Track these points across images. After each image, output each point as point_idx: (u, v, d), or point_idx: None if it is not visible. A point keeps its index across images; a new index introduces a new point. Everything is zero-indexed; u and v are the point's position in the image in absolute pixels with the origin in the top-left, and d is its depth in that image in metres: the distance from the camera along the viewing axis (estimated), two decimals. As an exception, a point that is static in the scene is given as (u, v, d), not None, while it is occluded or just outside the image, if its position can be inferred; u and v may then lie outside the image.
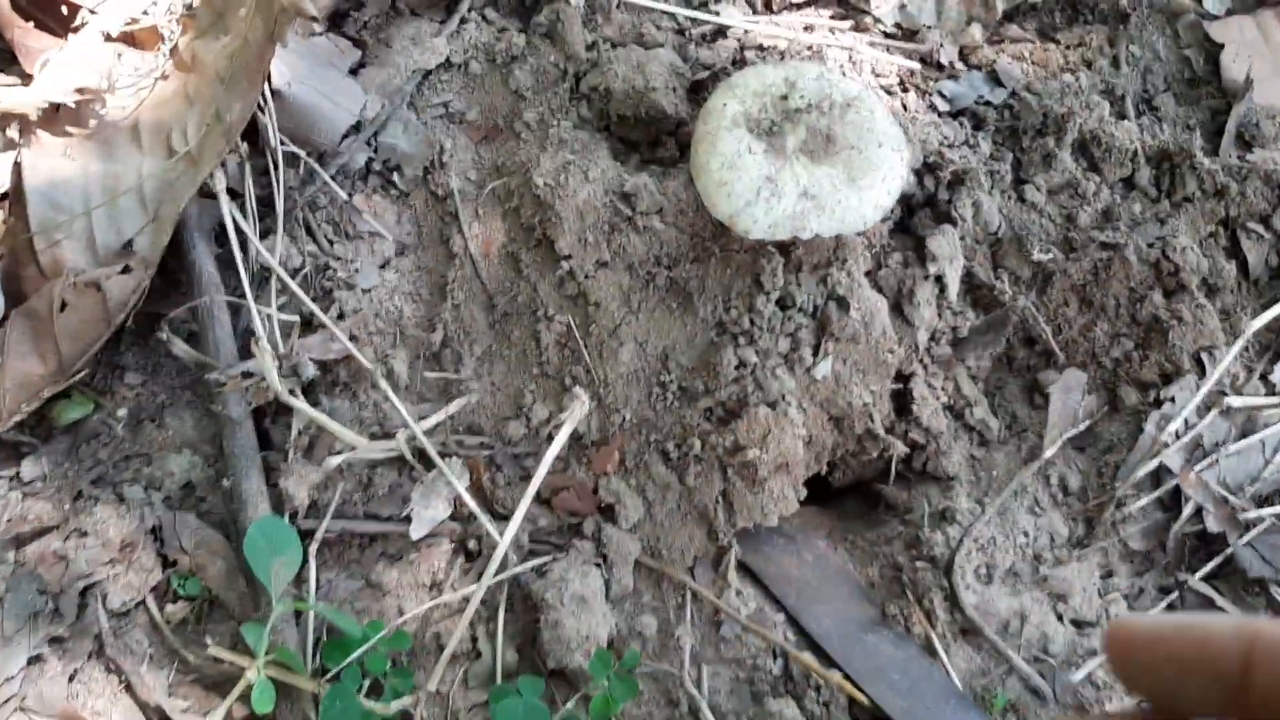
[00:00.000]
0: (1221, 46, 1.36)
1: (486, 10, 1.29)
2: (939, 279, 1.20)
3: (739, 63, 1.25)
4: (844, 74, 1.32)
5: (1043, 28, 1.41)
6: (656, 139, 1.22)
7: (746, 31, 1.29)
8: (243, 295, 1.10)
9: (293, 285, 1.09)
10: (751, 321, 1.08)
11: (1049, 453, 1.21)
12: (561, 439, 1.05)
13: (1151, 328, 1.23)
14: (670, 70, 1.20)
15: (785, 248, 1.10)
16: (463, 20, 1.28)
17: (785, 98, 1.07)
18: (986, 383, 1.28)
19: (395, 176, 1.22)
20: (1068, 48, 1.38)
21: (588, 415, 1.11)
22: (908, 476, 1.24)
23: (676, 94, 1.19)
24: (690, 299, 1.11)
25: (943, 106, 1.32)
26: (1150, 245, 1.24)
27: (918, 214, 1.24)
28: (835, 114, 1.06)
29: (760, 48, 1.28)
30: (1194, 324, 1.21)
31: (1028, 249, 1.25)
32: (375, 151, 1.22)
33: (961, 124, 1.31)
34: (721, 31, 1.29)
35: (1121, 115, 1.33)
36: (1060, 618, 1.15)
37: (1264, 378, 1.25)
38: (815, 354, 1.09)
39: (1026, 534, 1.18)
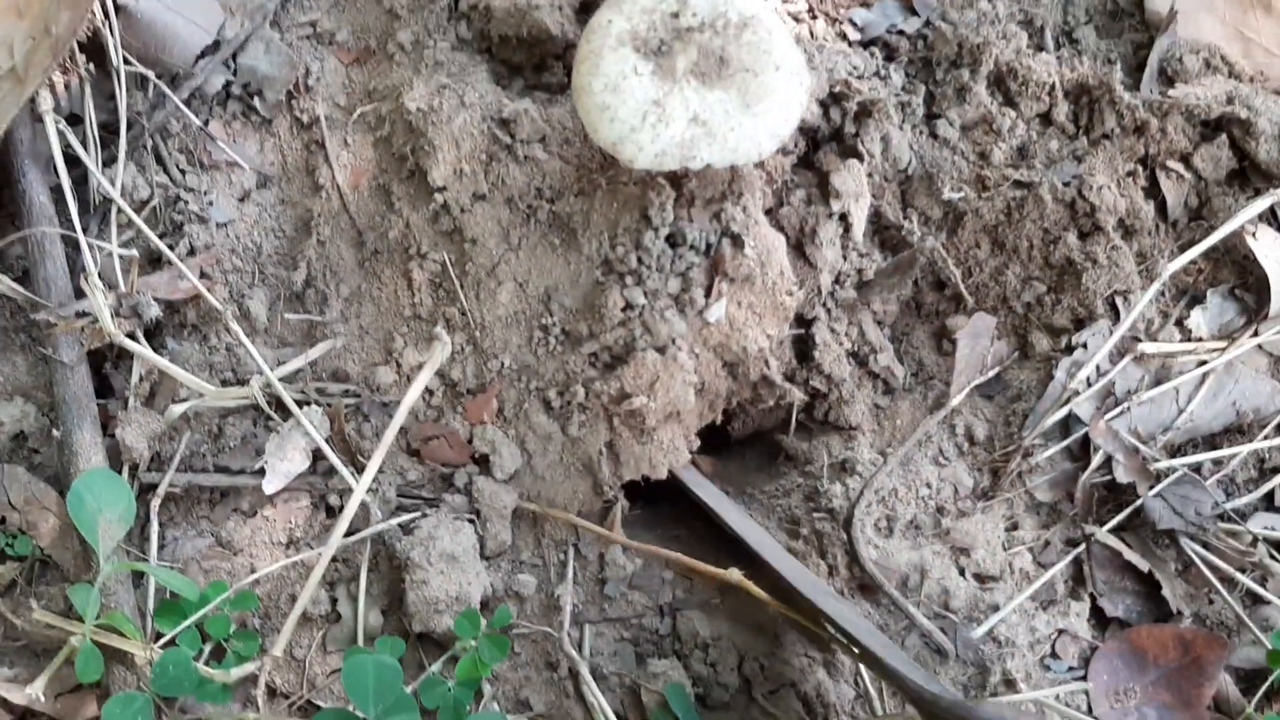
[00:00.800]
0: (1145, -25, 1.31)
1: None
2: (844, 218, 1.14)
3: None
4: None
5: (961, -48, 1.34)
6: (542, 62, 1.14)
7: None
8: (74, 229, 1.01)
9: (130, 214, 1.01)
10: (639, 260, 1.02)
11: (955, 401, 1.16)
12: (421, 382, 0.98)
13: (1065, 270, 1.19)
14: None
15: (676, 180, 1.03)
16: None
17: (676, 15, 0.99)
18: (893, 328, 1.22)
19: (256, 101, 1.13)
20: (985, -25, 1.32)
21: (463, 359, 1.05)
22: (809, 426, 1.19)
23: (563, 12, 1.11)
24: (574, 235, 1.04)
25: (853, 35, 1.26)
26: (1066, 184, 1.19)
27: (823, 148, 1.17)
28: (730, 34, 0.98)
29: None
30: (1109, 267, 1.17)
31: (938, 187, 1.19)
32: (234, 74, 1.13)
33: (872, 54, 1.24)
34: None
35: (1040, 47, 1.28)
36: (963, 572, 1.11)
37: (1179, 323, 1.21)
38: (708, 295, 1.03)
39: (929, 485, 1.13)
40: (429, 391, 1.05)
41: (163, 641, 0.88)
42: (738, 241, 1.03)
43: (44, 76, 0.97)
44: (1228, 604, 1.13)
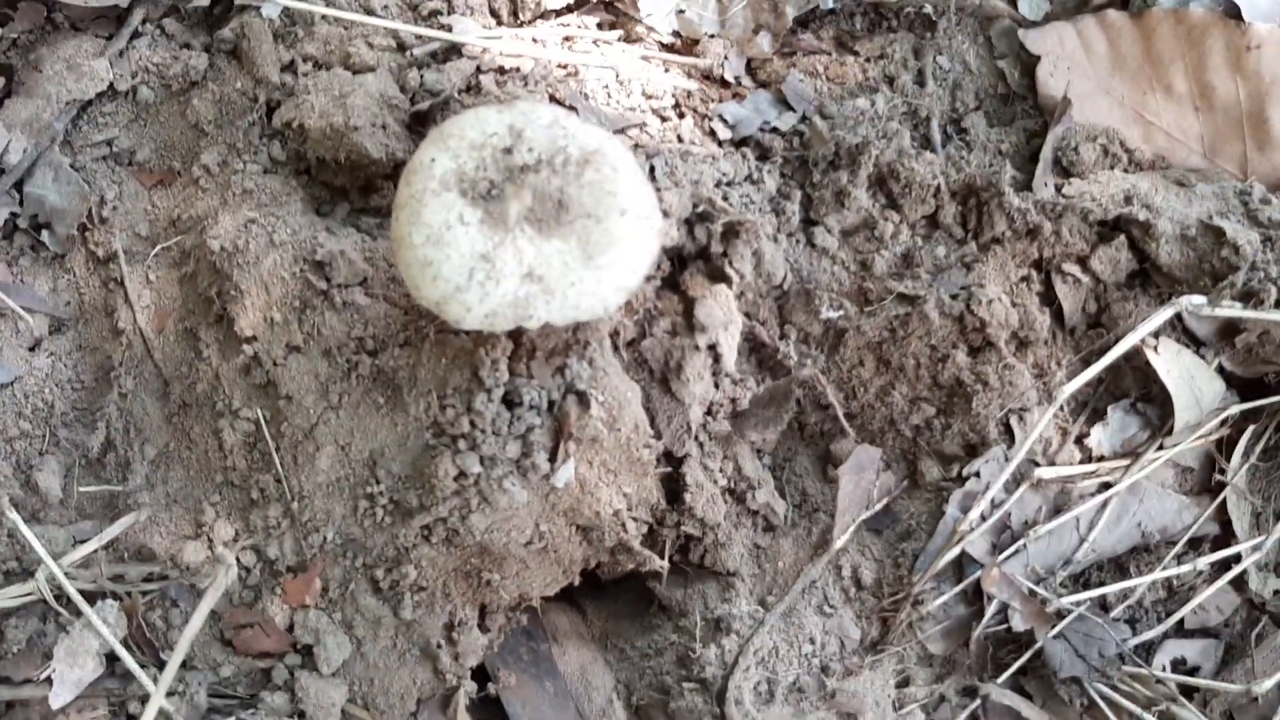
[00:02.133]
0: (1038, 59, 1.23)
1: (165, 21, 1.09)
2: (712, 348, 1.05)
3: (474, 89, 1.08)
4: (608, 98, 1.16)
5: (840, 36, 1.26)
6: (369, 183, 1.05)
7: (484, 50, 1.11)
8: None
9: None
10: (472, 424, 0.91)
11: (839, 542, 1.08)
12: (200, 615, 0.87)
13: (954, 392, 1.11)
14: (381, 102, 1.02)
15: (514, 332, 0.93)
16: (135, 34, 1.08)
17: (509, 151, 0.89)
18: (774, 455, 1.14)
19: (45, 235, 1.02)
20: (868, 60, 1.24)
21: (280, 534, 0.94)
22: (684, 569, 1.10)
23: (387, 132, 1.01)
24: (400, 393, 0.95)
25: (724, 134, 1.17)
26: (954, 296, 1.11)
27: (689, 268, 1.08)
28: (570, 173, 0.88)
29: (500, 70, 1.11)
30: (1001, 388, 1.09)
31: (816, 304, 1.11)
32: (20, 204, 1.02)
33: (744, 155, 1.15)
34: (455, 49, 1.11)
35: (926, 143, 1.20)
36: (850, 740, 1.03)
37: (1079, 441, 1.14)
38: (552, 460, 0.93)
39: (814, 640, 1.05)
40: (244, 569, 0.95)
41: None
42: (583, 399, 0.93)
43: None
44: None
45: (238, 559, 0.94)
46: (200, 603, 0.80)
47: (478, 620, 0.97)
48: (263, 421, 0.96)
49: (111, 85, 1.05)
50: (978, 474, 1.10)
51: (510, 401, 0.92)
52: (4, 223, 1.01)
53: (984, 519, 1.08)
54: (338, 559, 0.95)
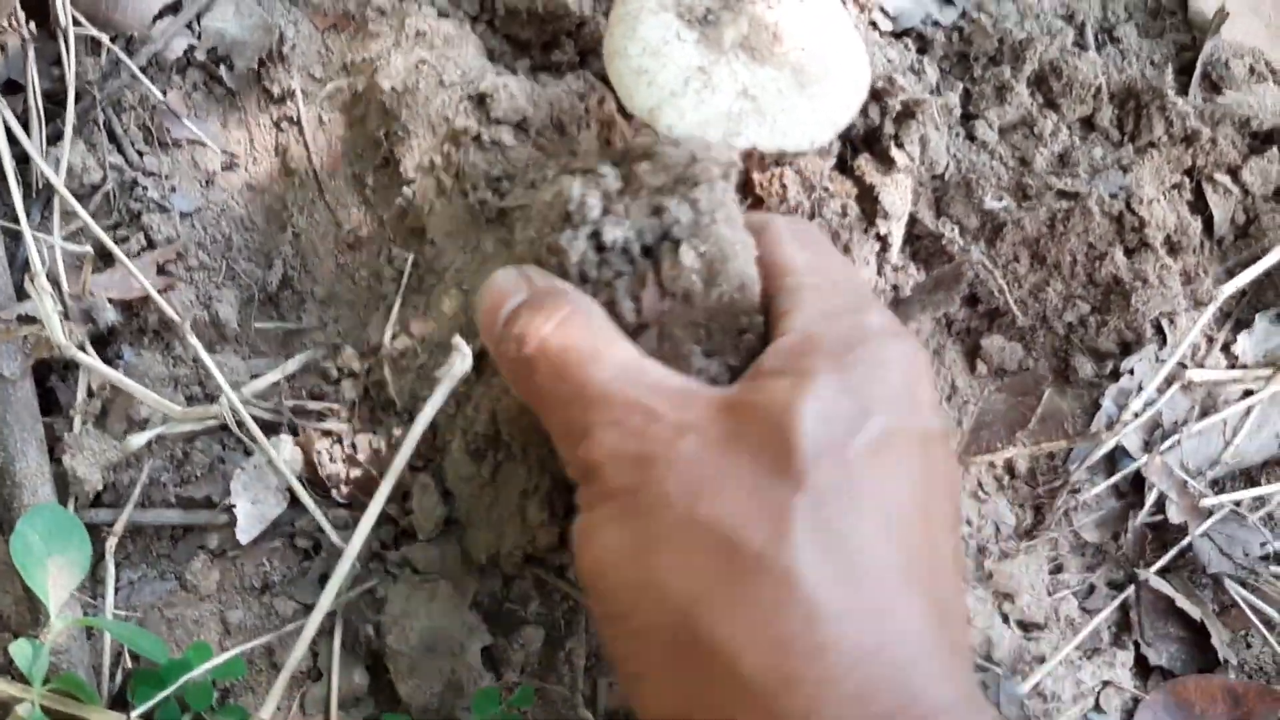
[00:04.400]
0: (1190, -27, 1.27)
1: None
2: (883, 236, 1.08)
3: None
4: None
5: (995, -62, 1.29)
6: (554, 39, 1.06)
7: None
8: (17, 219, 0.90)
9: (75, 205, 0.90)
10: (560, 266, 0.78)
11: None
12: (436, 402, 0.85)
13: (1111, 289, 1.14)
14: None
15: (622, 169, 0.91)
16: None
17: None
18: (924, 346, 1.17)
19: (223, 70, 1.02)
20: (1024, -36, 1.27)
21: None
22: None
23: None
24: (511, 236, 0.96)
25: (885, 25, 1.20)
26: (1113, 196, 1.14)
27: (861, 154, 1.10)
28: (785, 7, 0.91)
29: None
30: (1158, 287, 1.13)
31: (978, 195, 1.14)
32: (198, 38, 1.03)
33: (906, 46, 1.18)
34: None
35: (1082, 45, 1.23)
36: (1006, 619, 1.06)
37: (1225, 349, 1.18)
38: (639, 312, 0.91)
39: (970, 523, 1.08)
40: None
41: (137, 713, 0.78)
42: (677, 246, 0.89)
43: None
44: (1270, 646, 1.11)
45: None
46: (435, 393, 0.80)
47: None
48: (409, 265, 0.97)
49: (296, -77, 1.06)
50: (1131, 371, 1.13)
51: (600, 245, 0.82)
52: (182, 55, 1.02)
53: (1136, 416, 1.12)
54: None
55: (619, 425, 0.61)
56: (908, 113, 1.10)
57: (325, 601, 0.81)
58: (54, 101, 0.96)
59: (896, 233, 1.08)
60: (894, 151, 1.09)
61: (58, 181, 0.92)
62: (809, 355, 0.63)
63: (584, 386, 0.63)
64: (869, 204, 1.06)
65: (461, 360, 0.80)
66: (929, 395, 0.66)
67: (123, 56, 0.98)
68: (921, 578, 0.58)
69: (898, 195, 1.07)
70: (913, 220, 1.13)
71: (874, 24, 1.20)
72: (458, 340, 0.80)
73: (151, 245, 0.95)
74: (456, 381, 0.80)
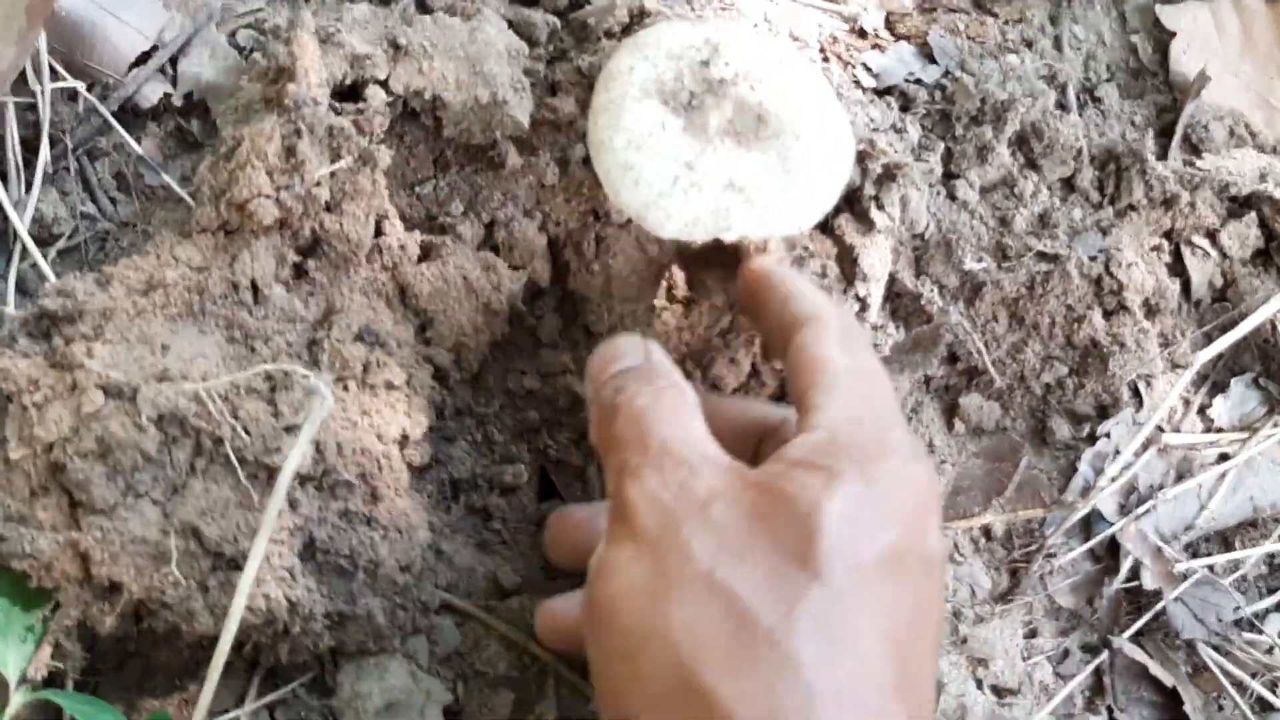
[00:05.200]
0: (1172, 35, 1.29)
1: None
2: (862, 297, 1.08)
3: (636, 16, 1.09)
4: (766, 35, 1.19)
5: (978, -3, 1.30)
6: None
7: (638, -24, 1.13)
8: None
9: (38, 257, 0.89)
10: None
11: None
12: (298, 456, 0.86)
13: (1089, 352, 1.15)
14: (511, 58, 1.03)
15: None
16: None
17: (707, 64, 0.92)
18: (902, 405, 1.17)
19: (194, 118, 1.02)
20: (1006, 23, 1.29)
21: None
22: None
23: (521, 94, 1.02)
24: None
25: (868, 82, 1.21)
26: (1092, 258, 1.15)
27: (841, 213, 1.11)
28: (767, 89, 0.92)
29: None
30: (1136, 350, 1.14)
31: (958, 255, 1.15)
32: (174, 83, 1.02)
33: (889, 104, 1.19)
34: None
35: (1064, 106, 1.24)
36: (980, 684, 1.06)
37: (1201, 412, 1.19)
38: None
39: (946, 586, 1.09)
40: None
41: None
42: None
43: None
44: (1241, 710, 1.12)
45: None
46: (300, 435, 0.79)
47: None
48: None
49: (268, -38, 1.06)
50: (1108, 434, 1.14)
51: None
52: (158, 102, 1.01)
53: (1113, 480, 1.13)
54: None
55: (662, 473, 0.67)
56: (889, 175, 1.11)
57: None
58: (30, 150, 0.95)
59: (876, 293, 1.09)
60: (874, 213, 1.10)
61: (20, 227, 0.91)
62: (836, 457, 0.67)
63: (648, 436, 0.70)
64: (848, 265, 1.07)
65: (321, 403, 0.78)
66: (936, 521, 0.71)
67: (96, 104, 0.97)
68: (909, 696, 0.62)
69: (877, 257, 1.08)
70: (892, 279, 1.14)
71: (857, 81, 1.21)
72: (315, 381, 0.78)
73: (124, 298, 0.94)
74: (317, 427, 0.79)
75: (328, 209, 0.90)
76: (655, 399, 0.73)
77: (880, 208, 1.10)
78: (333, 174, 0.90)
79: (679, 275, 1.02)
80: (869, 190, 1.10)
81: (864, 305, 1.09)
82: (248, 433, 0.80)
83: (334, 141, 0.91)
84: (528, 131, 1.02)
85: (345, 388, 0.87)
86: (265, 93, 0.93)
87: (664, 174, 0.87)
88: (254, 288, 0.87)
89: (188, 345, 0.82)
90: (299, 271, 0.90)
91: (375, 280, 0.95)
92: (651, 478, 0.67)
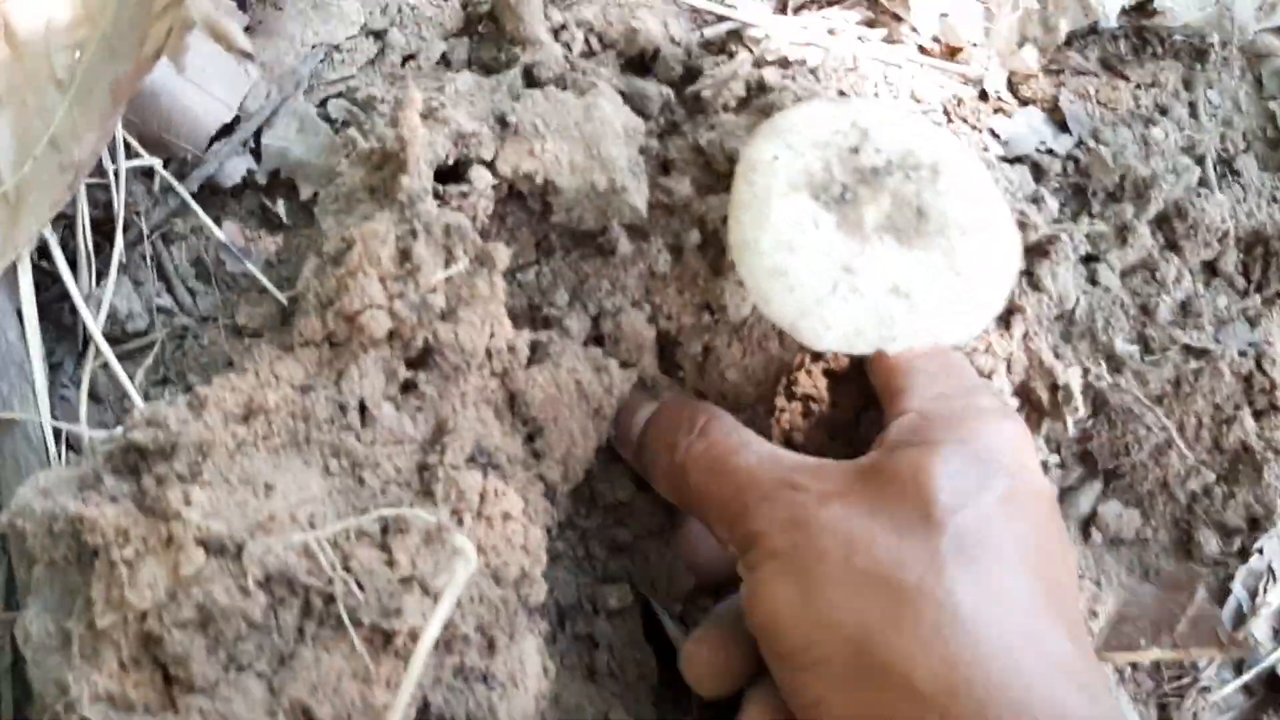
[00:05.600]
0: (1315, 103, 1.20)
1: (421, -40, 1.00)
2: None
3: (755, 89, 1.00)
4: (891, 100, 1.09)
5: (1107, 58, 1.21)
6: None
7: (765, 37, 1.04)
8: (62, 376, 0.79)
9: (115, 365, 0.79)
10: None
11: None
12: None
13: (1239, 458, 1.06)
14: (629, 138, 0.93)
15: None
16: (385, -26, 0.99)
17: (856, 150, 0.83)
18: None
19: (280, 200, 0.92)
20: (1138, 87, 1.19)
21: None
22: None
23: (639, 177, 0.92)
24: None
25: (996, 149, 1.11)
26: (1242, 354, 1.06)
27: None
28: (925, 178, 0.82)
29: (784, 62, 1.03)
30: (1292, 457, 1.05)
31: (1108, 339, 1.05)
32: (257, 158, 0.92)
33: (1022, 172, 1.10)
34: (728, 40, 1.03)
35: (1205, 182, 1.15)
36: (1128, 829, 0.97)
37: (1354, 524, 1.10)
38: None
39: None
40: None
41: None
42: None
43: (52, 211, 0.75)
44: None
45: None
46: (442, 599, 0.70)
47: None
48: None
49: (364, 26, 0.96)
50: (1260, 550, 1.05)
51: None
52: (241, 180, 0.91)
53: (1270, 603, 1.04)
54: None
55: (770, 499, 0.72)
56: (1041, 250, 1.01)
57: None
58: (102, 233, 0.86)
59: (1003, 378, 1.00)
60: (1024, 290, 1.00)
61: (96, 332, 0.81)
62: (931, 429, 0.73)
63: (735, 474, 0.75)
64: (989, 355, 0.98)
65: (465, 564, 0.69)
66: (1037, 463, 0.78)
67: (174, 183, 0.87)
68: (1058, 607, 0.67)
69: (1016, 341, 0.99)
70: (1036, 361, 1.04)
71: (985, 147, 1.11)
72: (460, 540, 0.69)
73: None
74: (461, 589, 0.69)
75: (442, 317, 0.80)
76: (706, 439, 0.79)
77: (1035, 287, 1.01)
78: (448, 278, 0.80)
79: (809, 379, 0.93)
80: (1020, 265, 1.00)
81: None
82: (361, 587, 0.70)
83: (449, 240, 0.81)
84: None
85: (460, 521, 0.77)
86: (369, 181, 0.83)
87: (821, 278, 0.78)
88: (362, 408, 0.77)
89: (293, 482, 0.72)
90: (407, 385, 0.80)
91: (485, 389, 0.85)
92: (760, 507, 0.72)
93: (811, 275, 0.78)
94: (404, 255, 0.78)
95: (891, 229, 0.80)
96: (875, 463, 0.73)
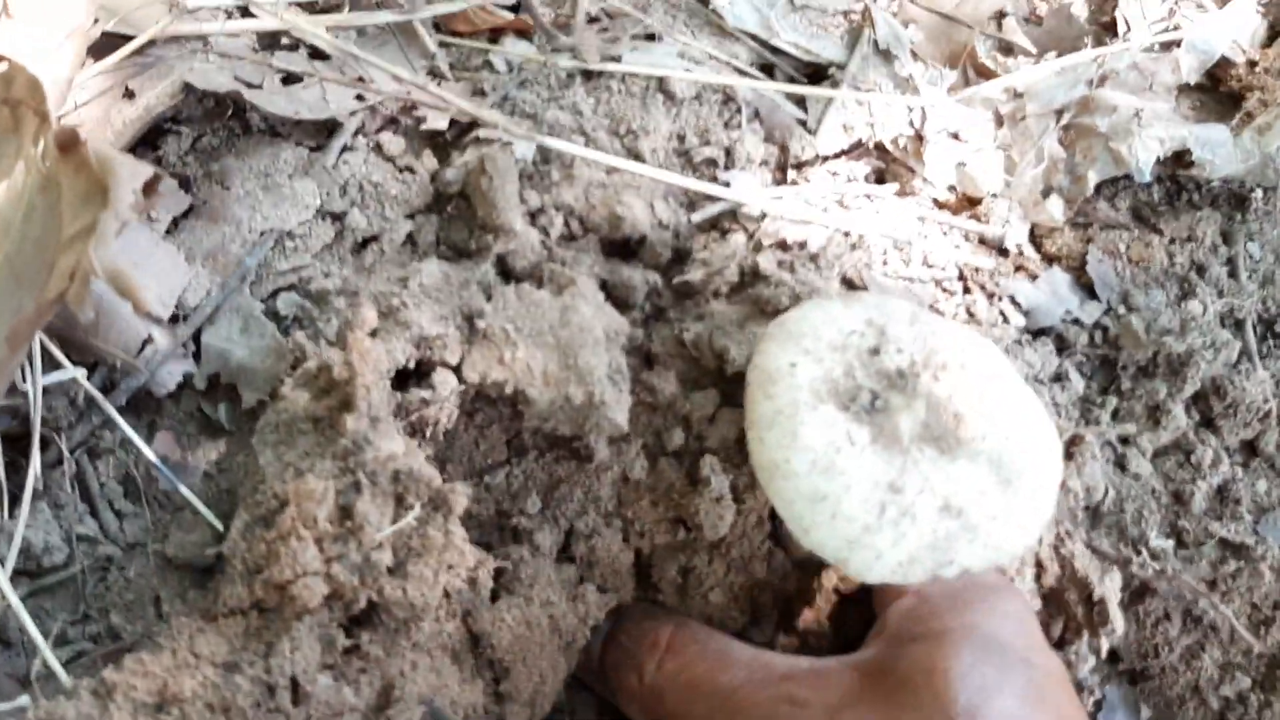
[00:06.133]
0: (1364, 256, 1.10)
1: (383, 136, 0.91)
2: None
3: (749, 276, 0.91)
4: (885, 266, 1.00)
5: (1138, 208, 1.11)
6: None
7: (762, 215, 0.94)
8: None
9: (24, 617, 0.71)
10: None
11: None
12: None
13: (1276, 663, 0.97)
14: (610, 343, 0.84)
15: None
16: (346, 148, 0.90)
17: (876, 352, 0.73)
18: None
19: (221, 407, 0.83)
20: (1173, 241, 1.10)
21: None
22: None
23: (620, 386, 0.84)
24: None
25: (1016, 320, 1.02)
26: (1284, 547, 0.97)
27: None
28: (954, 378, 0.73)
29: (783, 245, 0.94)
30: (1336, 665, 0.95)
31: (1141, 531, 0.96)
32: (196, 359, 0.84)
33: (1046, 346, 1.01)
34: (721, 219, 0.95)
35: (1244, 351, 1.05)
36: None
37: (1407, 731, 1.00)
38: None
39: None
40: None
41: None
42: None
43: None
44: None
45: None
46: None
47: None
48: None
49: (320, 209, 0.87)
50: (1304, 770, 0.96)
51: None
52: (176, 387, 0.82)
53: (1313, 828, 0.94)
54: None
55: (766, 711, 0.65)
56: (1066, 452, 0.92)
57: None
58: (18, 449, 0.77)
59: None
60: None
61: (2, 576, 0.72)
62: (933, 614, 0.69)
63: (722, 696, 0.68)
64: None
65: None
66: (1043, 638, 0.72)
67: (99, 397, 0.78)
68: None
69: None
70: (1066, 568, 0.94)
71: (1004, 316, 1.02)
72: None
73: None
74: None
75: (390, 572, 0.71)
76: (677, 657, 0.72)
77: (1061, 487, 0.91)
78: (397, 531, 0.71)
79: (812, 614, 0.84)
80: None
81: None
82: None
83: (399, 487, 0.72)
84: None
85: (405, 798, 0.68)
86: (312, 409, 0.74)
87: (867, 503, 0.68)
88: (294, 685, 0.68)
89: (209, 787, 0.63)
90: (350, 649, 0.71)
91: (441, 634, 0.76)
92: None
93: (856, 500, 0.68)
94: (345, 512, 0.69)
95: (930, 439, 0.71)
96: (880, 662, 0.68)
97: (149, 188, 0.71)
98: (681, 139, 0.96)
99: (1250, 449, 1.03)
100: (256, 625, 0.68)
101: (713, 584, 0.83)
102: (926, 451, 0.70)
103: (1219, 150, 1.07)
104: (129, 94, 0.87)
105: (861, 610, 0.83)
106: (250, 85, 0.87)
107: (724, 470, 0.79)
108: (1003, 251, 1.06)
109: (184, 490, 0.79)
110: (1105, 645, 0.88)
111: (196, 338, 0.83)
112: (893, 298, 0.89)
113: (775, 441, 0.70)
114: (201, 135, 0.89)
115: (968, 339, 0.77)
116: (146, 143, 0.89)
